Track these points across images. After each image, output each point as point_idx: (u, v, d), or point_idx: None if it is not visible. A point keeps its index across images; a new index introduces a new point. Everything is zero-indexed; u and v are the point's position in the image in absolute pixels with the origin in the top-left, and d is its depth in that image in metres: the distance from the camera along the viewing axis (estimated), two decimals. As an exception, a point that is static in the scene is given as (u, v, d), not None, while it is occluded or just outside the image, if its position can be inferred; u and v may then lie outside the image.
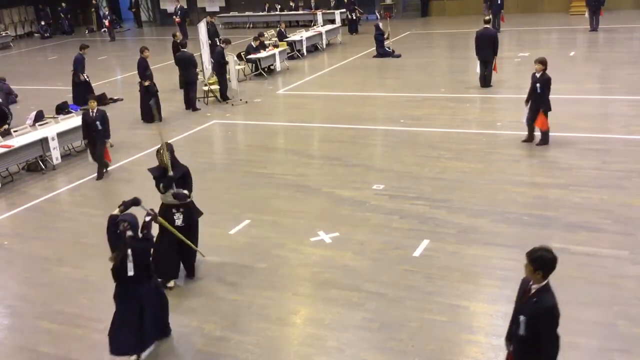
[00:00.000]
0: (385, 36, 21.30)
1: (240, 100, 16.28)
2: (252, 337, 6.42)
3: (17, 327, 6.97)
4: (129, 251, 5.82)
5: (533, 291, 4.52)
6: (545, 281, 4.49)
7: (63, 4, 35.14)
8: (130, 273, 5.87)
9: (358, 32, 27.44)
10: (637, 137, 11.27)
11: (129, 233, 5.80)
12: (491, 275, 7.20)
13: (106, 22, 32.01)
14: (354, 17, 27.57)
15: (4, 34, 32.27)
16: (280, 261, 7.89)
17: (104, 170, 11.54)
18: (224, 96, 16.40)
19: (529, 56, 19.13)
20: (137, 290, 6.02)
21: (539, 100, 10.95)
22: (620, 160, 10.23)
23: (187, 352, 6.29)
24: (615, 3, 26.54)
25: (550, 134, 11.11)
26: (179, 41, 17.07)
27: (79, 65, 16.70)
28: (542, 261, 4.44)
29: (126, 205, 6.26)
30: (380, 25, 21.16)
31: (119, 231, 5.80)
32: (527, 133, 11.36)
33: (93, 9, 36.92)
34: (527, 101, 11.21)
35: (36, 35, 35.45)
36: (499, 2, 23.13)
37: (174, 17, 28.97)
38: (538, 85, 10.87)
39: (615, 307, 6.42)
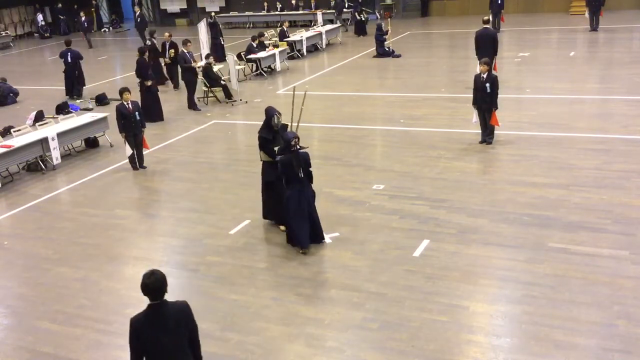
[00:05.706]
0: (385, 29, 21.18)
1: (240, 100, 16.28)
2: (252, 337, 6.42)
3: (17, 327, 6.97)
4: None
5: None
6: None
7: (59, 5, 35.17)
8: (301, 175, 7.74)
9: (367, 34, 25.53)
10: (637, 137, 11.26)
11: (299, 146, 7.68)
12: (491, 275, 7.20)
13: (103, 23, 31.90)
14: (362, 19, 26.29)
15: (4, 34, 32.25)
16: (280, 261, 7.89)
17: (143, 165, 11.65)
18: (229, 95, 16.32)
19: (529, 56, 19.17)
20: (304, 190, 7.82)
21: (490, 100, 11.08)
22: (620, 160, 10.23)
23: (187, 352, 6.28)
24: (615, 3, 26.56)
25: (550, 133, 11.10)
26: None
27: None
28: (142, 287, 4.26)
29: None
30: (382, 25, 21.16)
31: (292, 145, 7.61)
32: (481, 134, 11.53)
33: (93, 9, 36.91)
34: (474, 103, 11.37)
35: (36, 35, 35.46)
36: (499, 2, 23.14)
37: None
38: (488, 85, 11.00)
39: (615, 307, 6.41)
